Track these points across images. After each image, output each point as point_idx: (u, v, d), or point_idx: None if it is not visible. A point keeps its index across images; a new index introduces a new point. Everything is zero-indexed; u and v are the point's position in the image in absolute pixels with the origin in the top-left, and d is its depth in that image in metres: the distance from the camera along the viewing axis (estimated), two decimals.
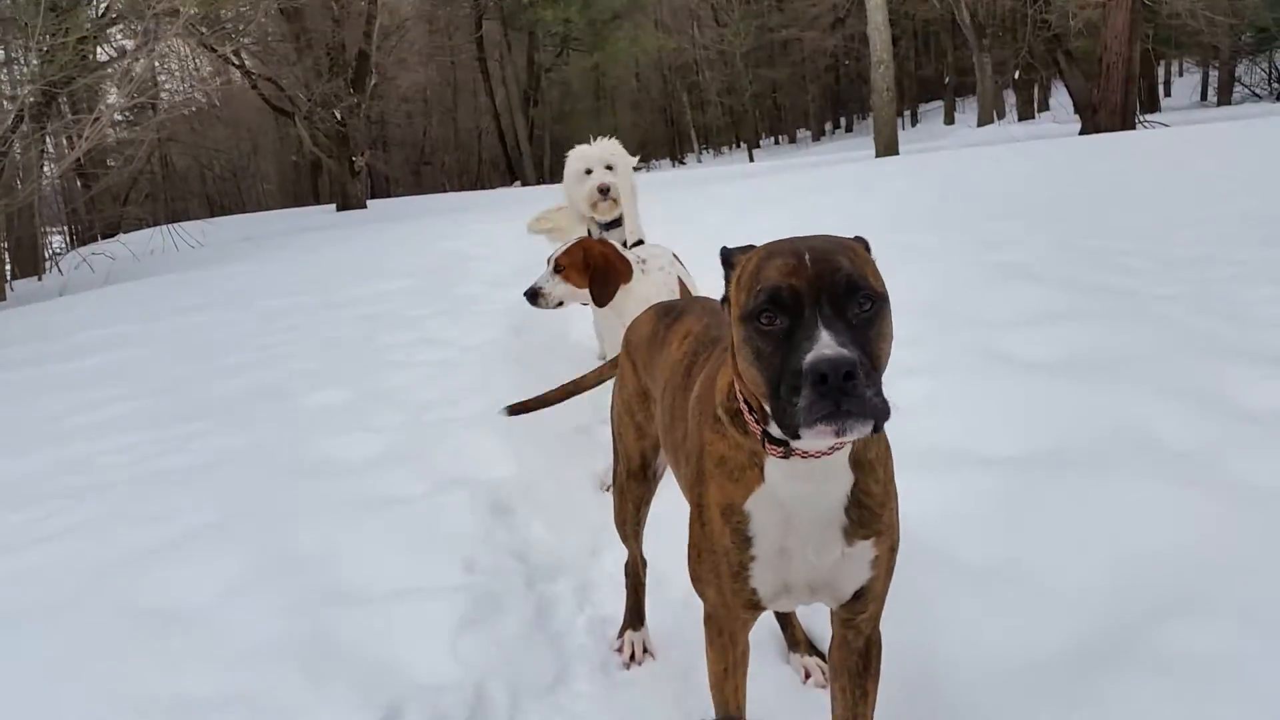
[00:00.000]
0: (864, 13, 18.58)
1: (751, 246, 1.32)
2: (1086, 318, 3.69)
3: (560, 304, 3.28)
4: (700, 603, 1.51)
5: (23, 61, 13.72)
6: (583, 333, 4.84)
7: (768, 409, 1.17)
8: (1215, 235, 5.02)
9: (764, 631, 2.14)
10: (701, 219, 9.03)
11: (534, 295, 3.25)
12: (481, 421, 3.35)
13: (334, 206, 25.12)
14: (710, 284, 5.10)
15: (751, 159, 43.15)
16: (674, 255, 3.58)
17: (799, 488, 1.31)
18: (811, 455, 1.26)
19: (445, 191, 41.00)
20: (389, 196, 37.24)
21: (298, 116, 23.26)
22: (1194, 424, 2.62)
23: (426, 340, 4.90)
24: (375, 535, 2.43)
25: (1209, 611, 1.84)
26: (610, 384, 3.17)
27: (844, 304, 1.13)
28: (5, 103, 12.77)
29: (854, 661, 1.49)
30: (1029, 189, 8.42)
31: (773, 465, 1.31)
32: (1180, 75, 38.79)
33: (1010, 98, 35.64)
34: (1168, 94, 35.74)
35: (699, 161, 51.66)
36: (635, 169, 4.02)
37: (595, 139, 3.99)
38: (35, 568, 2.45)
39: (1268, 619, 1.77)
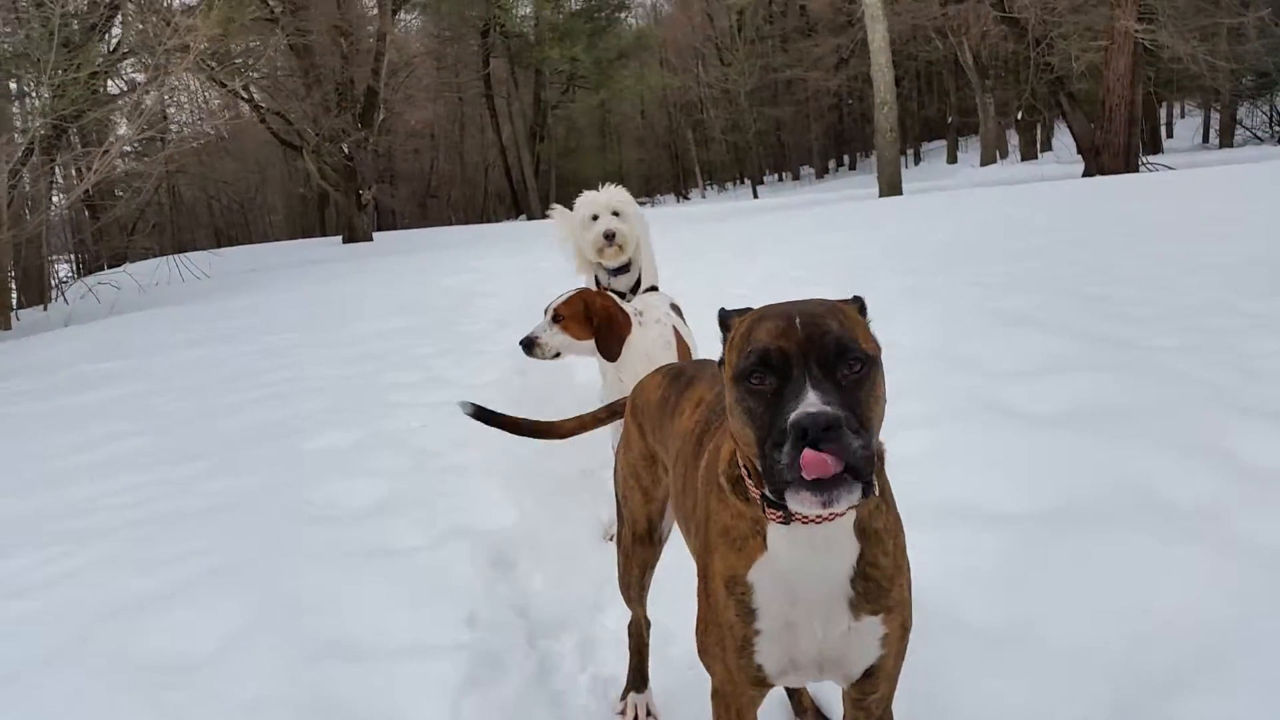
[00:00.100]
0: (867, 54, 18.80)
1: (749, 309, 1.33)
2: (1091, 368, 3.68)
3: (557, 355, 3.16)
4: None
5: (34, 95, 13.88)
6: (587, 376, 4.83)
7: (758, 468, 1.17)
8: (1220, 283, 5.02)
9: (772, 699, 2.10)
10: (707, 257, 9.07)
11: (529, 345, 3.12)
12: (485, 468, 3.33)
13: (340, 238, 25.28)
14: (712, 327, 5.11)
15: (755, 195, 43.47)
16: (672, 305, 3.56)
17: (802, 556, 1.29)
18: (812, 521, 1.25)
19: (451, 224, 41.29)
20: (395, 229, 37.49)
21: (306, 150, 23.49)
22: (1201, 482, 2.60)
23: (431, 380, 4.90)
24: (378, 587, 2.41)
25: (1224, 681, 1.81)
26: (605, 433, 3.17)
27: (833, 365, 1.15)
28: (16, 135, 12.88)
29: None
30: (1033, 232, 8.45)
31: (775, 533, 1.30)
32: (1182, 117, 39.12)
33: (1013, 138, 35.96)
34: (1170, 135, 36.01)
35: (703, 197, 52.03)
36: (640, 204, 4.04)
37: (602, 185, 4.01)
38: (34, 615, 2.42)
39: None
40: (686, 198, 53.68)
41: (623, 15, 51.56)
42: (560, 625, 2.47)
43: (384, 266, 14.38)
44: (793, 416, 1.07)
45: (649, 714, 2.13)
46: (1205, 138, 34.15)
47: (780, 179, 54.09)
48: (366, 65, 24.75)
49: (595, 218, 3.89)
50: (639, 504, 1.96)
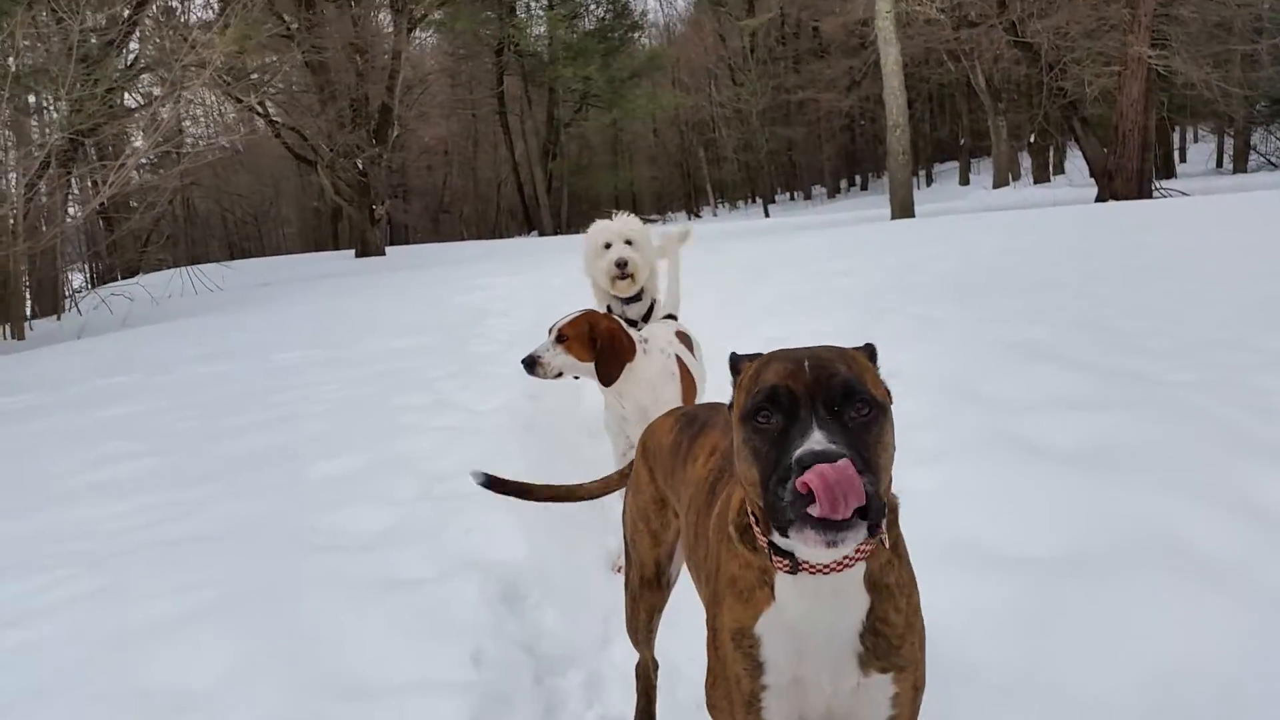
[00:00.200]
0: (880, 76, 18.84)
1: (760, 354, 1.33)
2: (1106, 404, 3.64)
3: (559, 375, 3.12)
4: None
5: (52, 109, 14.02)
6: (596, 400, 4.81)
7: (761, 507, 1.17)
8: (1237, 317, 4.97)
9: None
10: (718, 279, 9.05)
11: (531, 364, 3.08)
12: (494, 497, 3.30)
13: (353, 252, 25.40)
14: (721, 353, 5.08)
15: (767, 214, 43.52)
16: (682, 334, 3.52)
17: (810, 607, 1.27)
18: (820, 570, 1.23)
19: (463, 239, 41.46)
20: (408, 243, 37.66)
21: (320, 165, 23.63)
22: (1219, 527, 2.56)
23: (440, 403, 4.89)
24: (384, 621, 2.38)
25: None
26: (610, 462, 3.13)
27: (840, 407, 1.15)
28: (34, 150, 13.00)
29: None
30: (1045, 260, 8.42)
31: (783, 584, 1.28)
32: (1195, 141, 39.05)
33: (1025, 160, 35.92)
34: (1183, 160, 35.95)
35: (714, 215, 52.15)
36: (650, 220, 4.03)
37: (615, 213, 4.01)
38: (35, 643, 2.40)
39: None
40: (698, 215, 53.79)
41: (636, 35, 51.89)
42: (568, 661, 2.44)
43: (396, 281, 14.42)
44: (797, 453, 1.08)
45: None
46: (1219, 163, 34.07)
47: (792, 198, 54.13)
48: (381, 82, 24.93)
49: (608, 246, 3.88)
50: (647, 547, 1.93)
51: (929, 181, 44.56)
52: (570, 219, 45.58)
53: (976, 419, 3.66)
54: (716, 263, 11.18)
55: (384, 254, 24.69)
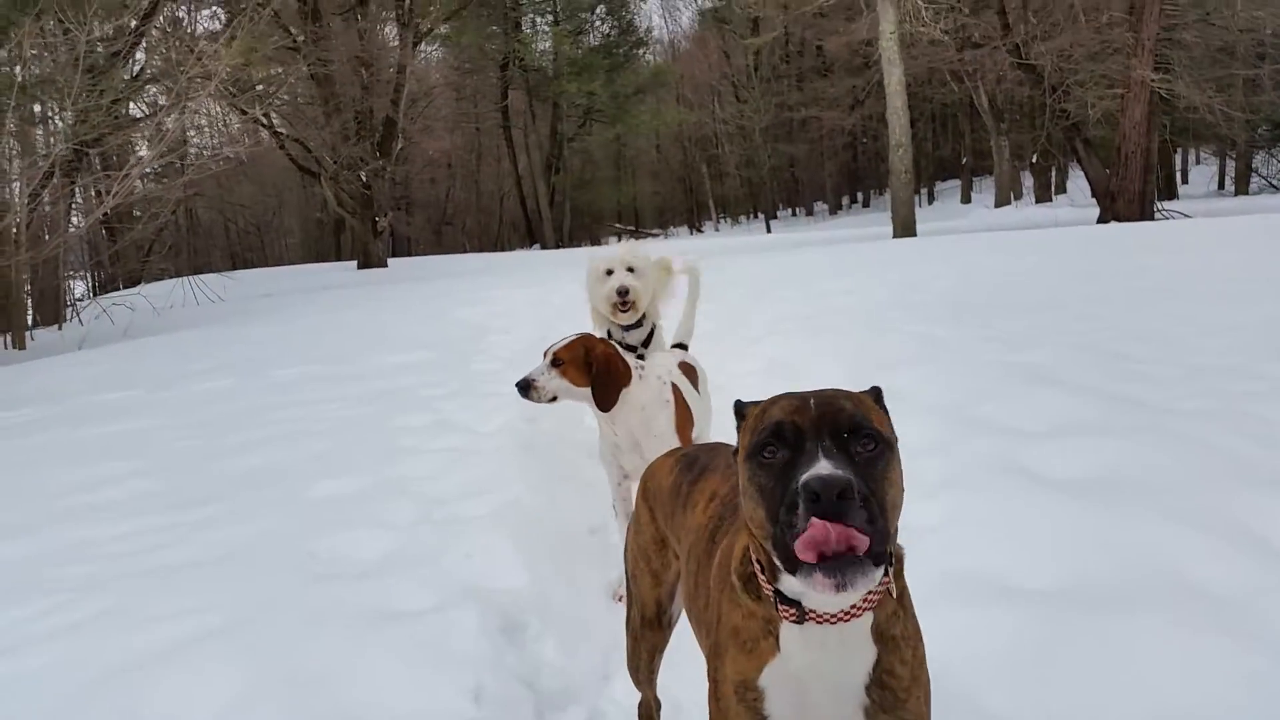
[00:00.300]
0: (883, 94, 18.89)
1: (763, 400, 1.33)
2: (1110, 432, 3.62)
3: (553, 399, 3.07)
4: None
5: (57, 119, 14.06)
6: (596, 423, 4.80)
7: (768, 547, 1.15)
8: (1240, 343, 4.96)
9: None
10: (721, 296, 9.03)
11: (526, 387, 3.03)
12: (494, 522, 3.29)
13: (355, 264, 25.42)
14: (724, 375, 5.08)
15: (769, 230, 43.64)
16: (685, 364, 3.47)
17: (816, 659, 1.25)
18: (828, 620, 1.21)
19: (465, 252, 41.52)
20: (410, 255, 37.71)
21: (324, 177, 23.70)
22: (1222, 560, 2.54)
23: (440, 423, 4.86)
24: (383, 654, 2.35)
25: None
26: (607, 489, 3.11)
27: (846, 441, 1.15)
28: (39, 160, 13.03)
29: None
30: (1049, 282, 8.41)
31: (789, 634, 1.26)
32: (1197, 163, 39.14)
33: (1027, 179, 36.00)
34: (1185, 181, 36.02)
35: (716, 230, 52.27)
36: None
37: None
38: (34, 672, 2.38)
39: None
40: (700, 230, 53.90)
41: (641, 51, 52.18)
42: (568, 696, 2.41)
43: (397, 294, 14.41)
44: (803, 478, 1.06)
45: None
46: (1221, 184, 34.16)
47: (794, 214, 54.23)
48: (386, 95, 25.03)
49: (610, 272, 3.86)
50: (648, 587, 1.91)
51: (930, 199, 44.65)
52: (573, 233, 45.71)
53: (979, 446, 3.64)
54: (719, 280, 11.17)
55: (386, 266, 24.72)
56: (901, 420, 1.29)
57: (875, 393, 1.32)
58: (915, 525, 2.97)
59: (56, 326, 15.62)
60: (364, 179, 24.01)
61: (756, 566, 1.28)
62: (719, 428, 3.59)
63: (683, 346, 3.74)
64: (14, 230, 12.29)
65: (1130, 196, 18.28)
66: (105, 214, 16.04)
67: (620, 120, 46.65)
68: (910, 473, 1.25)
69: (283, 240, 52.26)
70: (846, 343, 6.13)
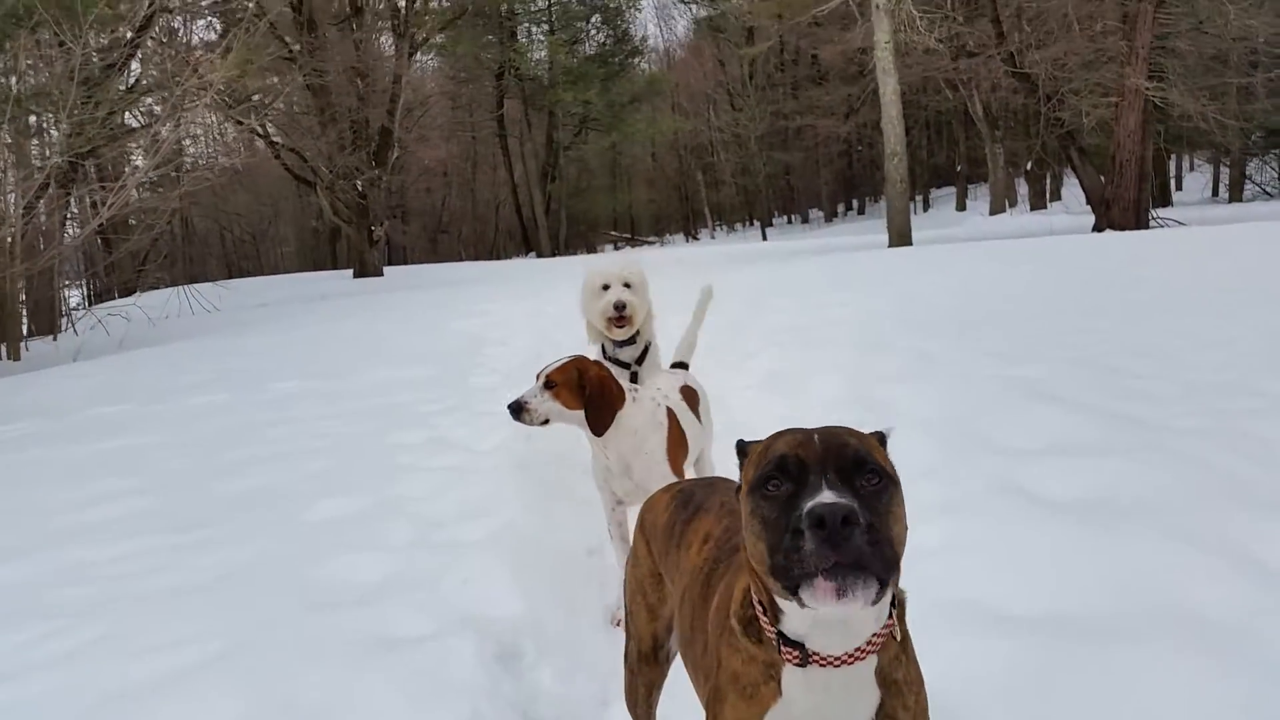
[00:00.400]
0: (878, 103, 18.93)
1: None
2: (1109, 451, 3.61)
3: (546, 422, 3.02)
4: None
5: (52, 130, 14.04)
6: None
7: (769, 580, 1.15)
8: (1238, 358, 4.96)
9: None
10: (718, 307, 9.00)
11: (518, 410, 2.98)
12: (491, 545, 3.28)
13: (351, 272, 25.42)
14: (724, 389, 5.07)
15: (765, 237, 43.69)
16: (686, 387, 3.43)
17: (819, 702, 1.24)
18: (831, 663, 1.21)
19: (461, 260, 41.53)
20: (406, 263, 37.72)
21: (319, 186, 23.70)
22: (1221, 584, 2.53)
23: (438, 441, 4.85)
24: (381, 682, 2.34)
25: None
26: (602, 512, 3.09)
27: (850, 474, 1.15)
28: (34, 172, 13.01)
29: None
30: (1045, 293, 8.42)
31: (791, 678, 1.25)
32: (1191, 170, 39.28)
33: (1022, 187, 36.06)
34: (1179, 188, 36.12)
35: (712, 238, 52.34)
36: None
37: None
38: (34, 699, 2.36)
39: None
40: (695, 238, 53.96)
41: (636, 60, 52.26)
42: None
43: (394, 303, 14.40)
44: (807, 506, 1.07)
45: None
46: (1215, 191, 34.27)
47: (789, 221, 54.31)
48: (382, 105, 25.06)
49: (606, 287, 3.84)
50: (644, 621, 1.90)
51: (926, 206, 44.75)
52: (568, 241, 45.72)
53: (977, 466, 3.64)
54: (716, 291, 11.17)
55: (382, 274, 24.72)
56: (899, 437, 1.29)
57: (880, 437, 1.32)
58: (913, 549, 2.94)
59: (51, 337, 15.58)
60: (359, 188, 24.02)
61: (758, 608, 1.27)
62: (717, 451, 3.58)
63: (683, 365, 3.71)
64: (9, 242, 12.26)
65: (1125, 204, 18.32)
66: (101, 224, 16.02)
67: (616, 128, 46.68)
68: (908, 494, 1.25)
69: (278, 249, 52.25)
70: (844, 355, 6.13)
